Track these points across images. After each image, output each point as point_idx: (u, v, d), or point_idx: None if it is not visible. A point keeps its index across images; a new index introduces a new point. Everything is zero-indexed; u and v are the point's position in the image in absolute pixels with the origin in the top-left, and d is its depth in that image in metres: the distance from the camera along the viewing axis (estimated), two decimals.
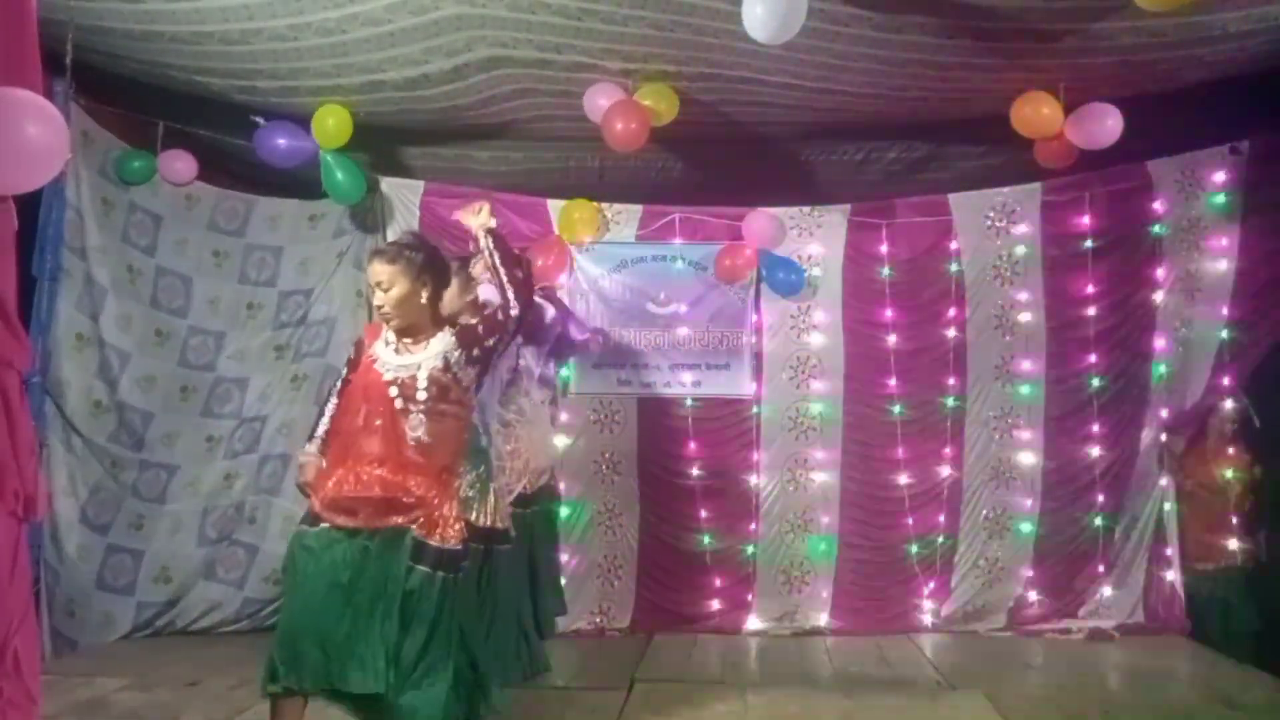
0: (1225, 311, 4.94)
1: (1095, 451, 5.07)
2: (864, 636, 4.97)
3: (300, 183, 4.91)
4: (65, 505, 4.44)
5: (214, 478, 4.92)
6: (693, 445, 5.17)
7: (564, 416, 4.99)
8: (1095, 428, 5.07)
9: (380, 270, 2.78)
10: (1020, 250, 5.13)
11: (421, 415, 2.76)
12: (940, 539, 5.12)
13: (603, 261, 5.21)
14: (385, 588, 2.69)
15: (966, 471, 5.14)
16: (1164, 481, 5.09)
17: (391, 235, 4.91)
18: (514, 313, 2.89)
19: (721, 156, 5.08)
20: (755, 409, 5.20)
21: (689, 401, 5.19)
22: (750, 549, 5.16)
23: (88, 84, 4.26)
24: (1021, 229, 5.13)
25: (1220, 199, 4.96)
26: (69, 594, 4.48)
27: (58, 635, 4.40)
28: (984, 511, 5.13)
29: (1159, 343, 5.07)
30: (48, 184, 2.50)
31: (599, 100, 4.28)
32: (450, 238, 4.26)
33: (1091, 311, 5.05)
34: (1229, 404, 5.00)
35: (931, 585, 5.12)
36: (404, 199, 5.09)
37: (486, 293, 3.46)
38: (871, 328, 5.19)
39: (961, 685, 4.09)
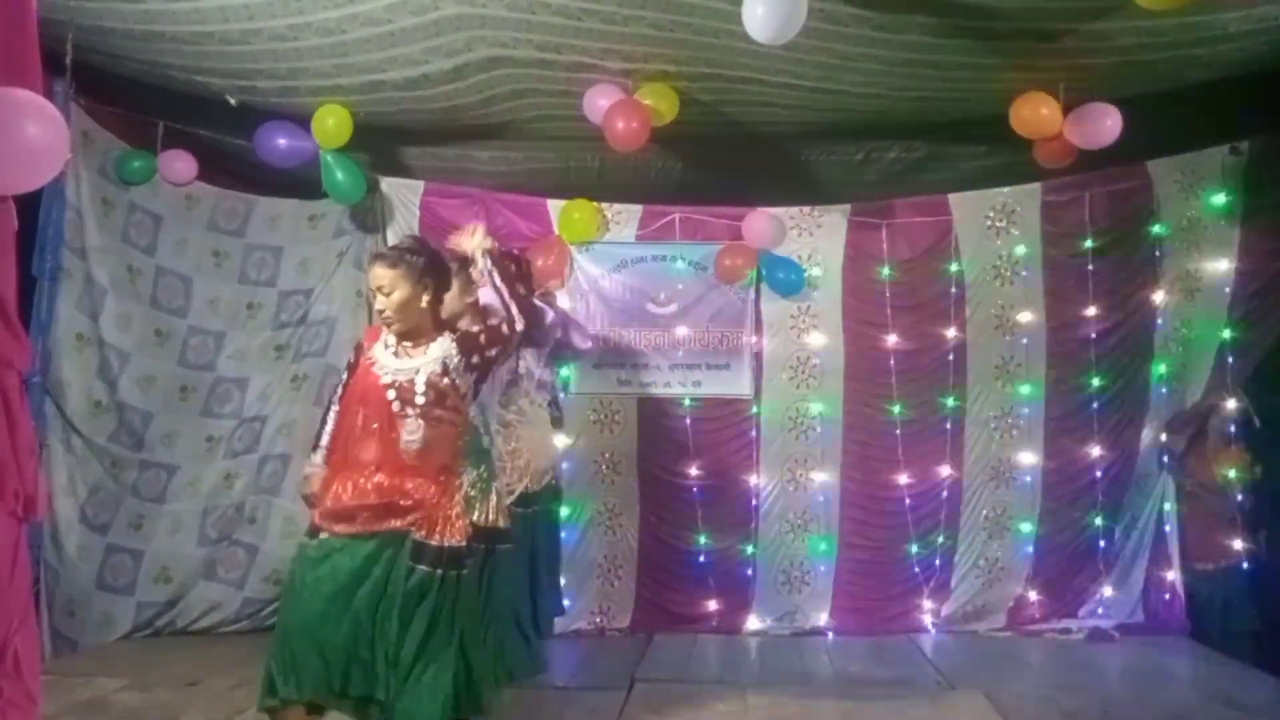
0: (1225, 312, 4.94)
1: (1095, 451, 5.06)
2: (864, 637, 4.97)
3: (300, 183, 4.91)
4: (65, 505, 4.44)
5: (214, 478, 4.92)
6: (693, 445, 5.17)
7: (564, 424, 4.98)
8: (1095, 427, 5.06)
9: (381, 274, 2.79)
10: (1020, 250, 5.12)
11: (418, 419, 2.76)
12: (940, 539, 5.12)
13: (603, 261, 5.21)
14: (386, 590, 2.70)
15: (966, 471, 5.13)
16: (1164, 481, 5.09)
17: (391, 235, 4.93)
18: (518, 327, 2.97)
19: (721, 156, 5.08)
20: (755, 409, 5.19)
21: (689, 401, 5.19)
22: (750, 549, 5.16)
23: (88, 84, 4.26)
24: (1021, 229, 5.12)
25: (1220, 199, 4.95)
26: (69, 594, 4.47)
27: (58, 635, 4.39)
28: (984, 511, 5.13)
29: (1159, 342, 5.07)
30: (48, 184, 2.50)
31: (599, 100, 4.28)
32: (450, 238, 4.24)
33: (1091, 311, 5.04)
34: (1229, 404, 4.99)
35: (931, 585, 5.12)
36: (404, 199, 5.09)
37: (486, 296, 3.45)
38: (871, 328, 5.18)
39: (961, 685, 4.10)
